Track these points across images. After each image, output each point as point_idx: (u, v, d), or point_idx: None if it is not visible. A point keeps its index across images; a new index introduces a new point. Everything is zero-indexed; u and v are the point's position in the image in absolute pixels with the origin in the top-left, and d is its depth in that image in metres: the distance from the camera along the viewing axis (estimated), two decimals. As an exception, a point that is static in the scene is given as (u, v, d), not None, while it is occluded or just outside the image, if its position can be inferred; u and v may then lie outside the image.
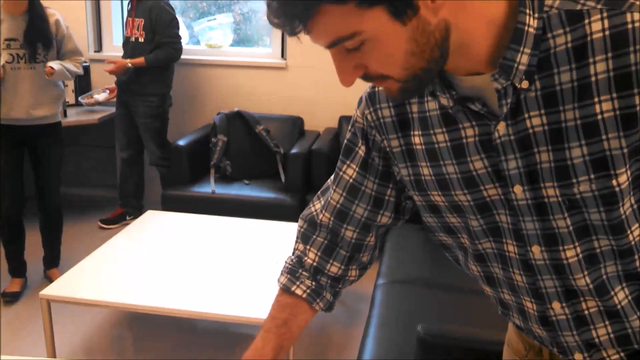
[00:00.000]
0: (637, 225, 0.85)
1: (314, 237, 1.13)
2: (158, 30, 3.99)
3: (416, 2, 0.73)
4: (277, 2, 0.74)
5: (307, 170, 3.86)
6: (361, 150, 1.06)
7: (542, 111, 0.82)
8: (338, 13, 0.73)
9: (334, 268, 1.12)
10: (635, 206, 0.84)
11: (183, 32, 4.74)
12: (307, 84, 4.43)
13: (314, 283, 1.12)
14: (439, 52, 0.78)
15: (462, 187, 0.93)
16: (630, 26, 0.75)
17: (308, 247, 1.13)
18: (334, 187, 1.11)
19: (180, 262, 2.77)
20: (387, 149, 1.02)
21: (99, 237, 3.87)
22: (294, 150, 3.85)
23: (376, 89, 1.01)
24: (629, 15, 0.75)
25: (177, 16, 4.10)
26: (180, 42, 4.09)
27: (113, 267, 2.69)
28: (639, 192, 0.83)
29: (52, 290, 2.46)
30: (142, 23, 4.00)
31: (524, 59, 0.79)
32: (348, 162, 1.08)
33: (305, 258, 1.13)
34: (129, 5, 4.13)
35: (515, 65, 0.80)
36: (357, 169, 1.07)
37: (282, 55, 4.51)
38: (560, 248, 0.88)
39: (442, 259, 2.74)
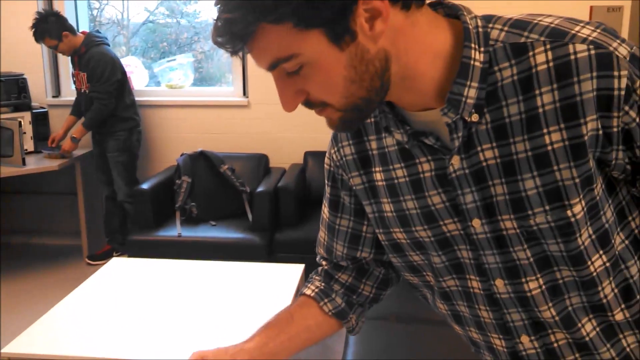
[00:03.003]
0: (597, 256, 0.85)
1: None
2: (92, 82, 4.05)
3: (354, 28, 0.73)
4: (220, 21, 0.74)
5: (275, 208, 3.82)
6: (328, 191, 1.07)
7: (494, 144, 0.82)
8: (276, 33, 0.73)
9: (344, 276, 1.13)
10: (594, 237, 0.84)
11: (142, 73, 4.72)
12: (270, 121, 4.42)
13: (323, 284, 1.13)
14: (379, 82, 0.78)
15: (422, 223, 0.93)
16: (572, 57, 0.76)
17: (324, 254, 1.16)
18: (320, 224, 1.14)
19: (149, 310, 2.69)
20: (353, 187, 1.02)
21: (62, 288, 3.75)
22: (260, 189, 3.82)
23: None
24: (571, 47, 0.76)
25: (118, 62, 4.11)
26: (110, 98, 4.04)
27: (77, 320, 2.60)
28: (597, 223, 0.83)
29: (13, 347, 2.36)
30: (85, 76, 4.09)
31: (472, 92, 0.80)
32: (324, 202, 1.10)
33: (322, 262, 1.16)
34: (72, 59, 4.20)
35: (463, 99, 0.80)
36: (328, 209, 1.09)
37: (244, 93, 4.50)
38: (523, 280, 0.88)
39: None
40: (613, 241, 0.85)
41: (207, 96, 4.60)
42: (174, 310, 2.69)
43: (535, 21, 0.80)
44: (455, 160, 0.84)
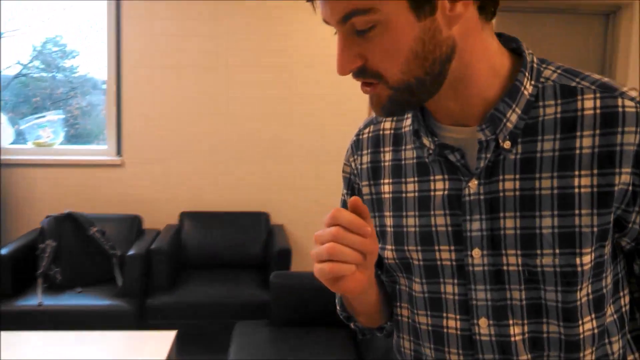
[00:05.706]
0: (589, 318, 0.84)
1: None
2: None
3: (435, 3, 0.74)
4: None
5: (147, 271, 3.66)
6: (347, 199, 1.04)
7: (517, 176, 0.82)
8: None
9: None
10: (591, 297, 0.84)
11: (7, 130, 4.47)
12: (145, 181, 4.29)
13: None
14: (439, 68, 0.78)
15: (416, 243, 0.90)
16: (620, 109, 0.79)
17: None
18: None
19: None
20: (363, 197, 1.00)
21: None
22: (131, 252, 3.65)
23: (361, 136, 1.00)
24: (620, 100, 0.79)
25: None
26: None
27: None
28: (597, 284, 0.83)
29: None
30: None
31: (513, 117, 0.81)
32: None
33: None
34: None
35: (504, 120, 0.81)
36: None
37: (118, 152, 4.35)
38: (511, 322, 0.86)
39: (289, 355, 2.66)
40: (605, 309, 0.85)
41: (78, 155, 4.41)
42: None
43: (587, 73, 0.84)
44: (473, 184, 0.84)
